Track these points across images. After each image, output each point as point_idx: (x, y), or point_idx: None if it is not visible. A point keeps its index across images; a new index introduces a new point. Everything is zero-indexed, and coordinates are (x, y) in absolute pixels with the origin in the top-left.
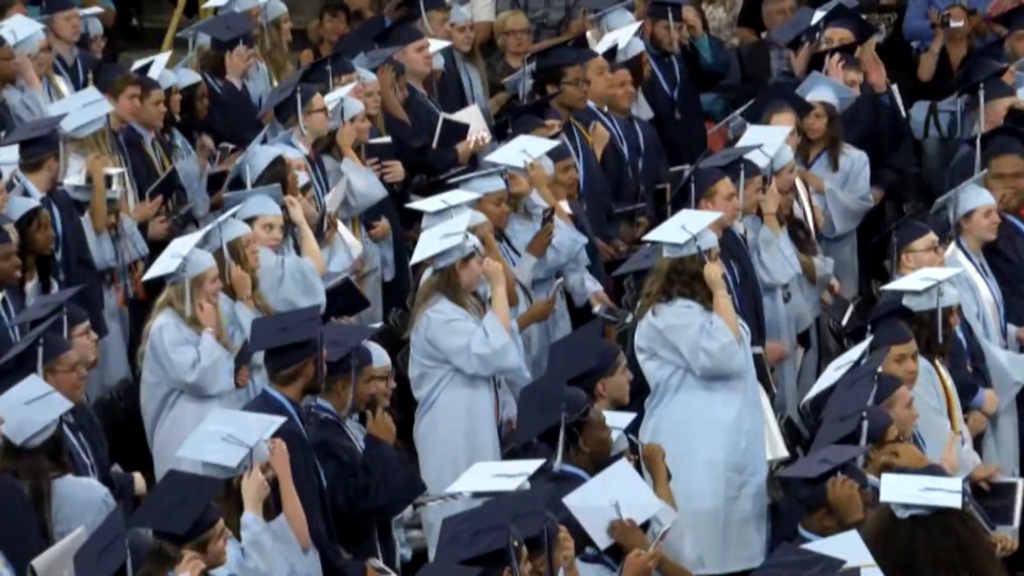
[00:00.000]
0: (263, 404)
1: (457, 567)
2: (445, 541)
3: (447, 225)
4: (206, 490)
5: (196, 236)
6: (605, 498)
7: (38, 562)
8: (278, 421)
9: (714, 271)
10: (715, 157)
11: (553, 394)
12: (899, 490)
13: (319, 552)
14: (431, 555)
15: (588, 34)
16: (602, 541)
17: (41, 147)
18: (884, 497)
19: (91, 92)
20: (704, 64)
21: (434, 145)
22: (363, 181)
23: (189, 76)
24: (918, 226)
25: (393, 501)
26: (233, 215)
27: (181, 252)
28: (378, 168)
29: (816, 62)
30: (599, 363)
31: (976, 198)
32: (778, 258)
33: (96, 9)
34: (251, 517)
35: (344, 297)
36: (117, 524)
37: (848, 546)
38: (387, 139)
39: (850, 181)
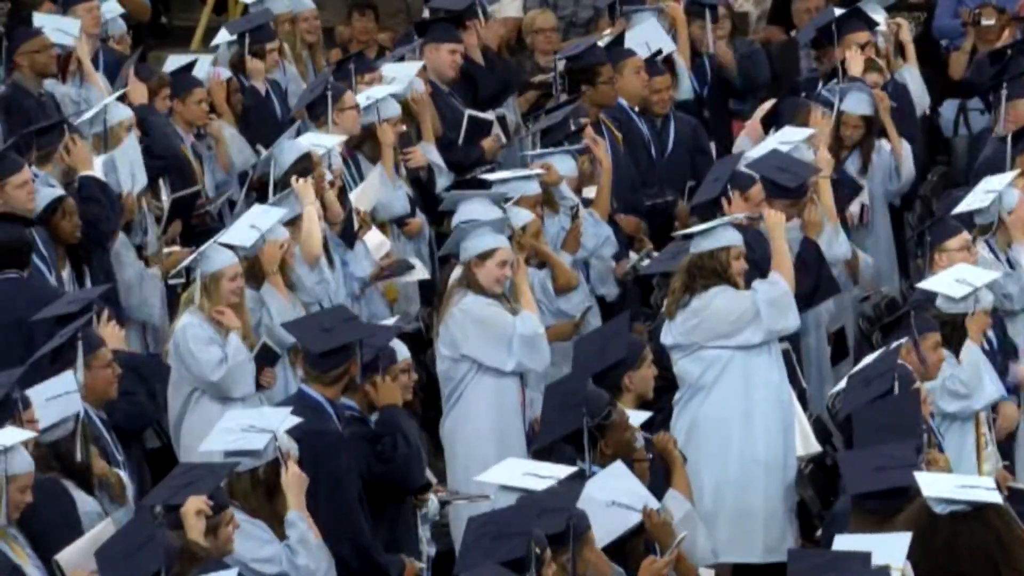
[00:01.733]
0: (300, 403)
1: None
2: (468, 543)
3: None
4: (217, 473)
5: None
6: (601, 499)
7: (62, 556)
8: (291, 413)
9: (774, 216)
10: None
11: (575, 396)
12: (938, 486)
13: (363, 550)
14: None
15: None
16: (599, 540)
17: (50, 138)
18: (925, 493)
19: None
20: (734, 88)
21: (460, 141)
22: (388, 194)
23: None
24: (952, 225)
25: (410, 461)
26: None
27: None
28: (401, 155)
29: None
30: (627, 356)
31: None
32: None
33: (118, 8)
34: (296, 515)
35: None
36: (148, 525)
37: (890, 546)
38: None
39: (882, 175)
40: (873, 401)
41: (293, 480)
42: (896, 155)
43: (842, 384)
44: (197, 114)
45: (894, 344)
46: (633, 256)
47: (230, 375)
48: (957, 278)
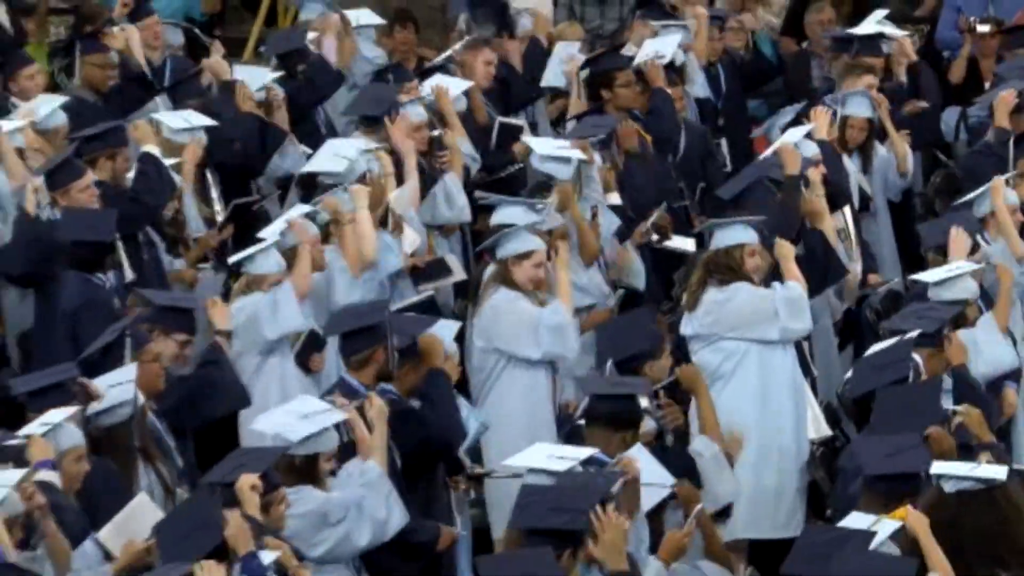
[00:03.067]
0: (340, 389)
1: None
2: (521, 505)
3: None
4: (267, 455)
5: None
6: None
7: (102, 534)
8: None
9: (785, 247)
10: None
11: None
12: (948, 466)
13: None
14: (493, 531)
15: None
16: None
17: (99, 144)
18: (934, 471)
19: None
20: (764, 57)
21: (491, 145)
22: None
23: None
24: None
25: (448, 428)
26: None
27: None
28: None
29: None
30: (651, 347)
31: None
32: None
33: (176, 22)
34: (372, 464)
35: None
36: (206, 503)
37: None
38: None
39: (882, 173)
40: (891, 385)
41: (374, 429)
42: (896, 152)
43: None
44: None
45: (908, 335)
46: (649, 220)
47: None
48: (948, 270)
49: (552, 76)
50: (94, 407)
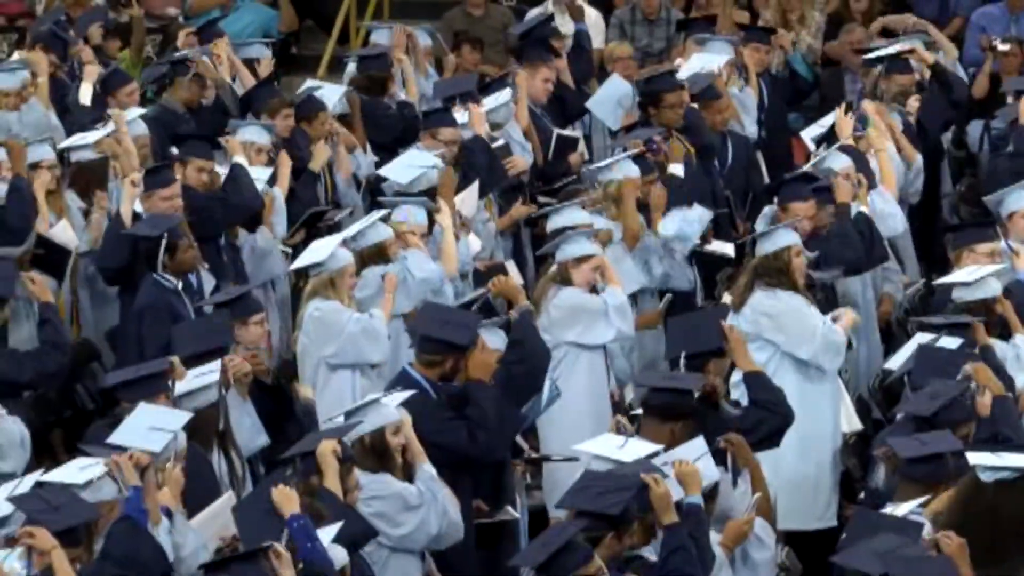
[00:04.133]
0: (402, 381)
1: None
2: (576, 487)
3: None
4: (340, 431)
5: (337, 238)
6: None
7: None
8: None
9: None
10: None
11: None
12: (985, 456)
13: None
14: (550, 514)
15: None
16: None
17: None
18: (972, 461)
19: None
20: (800, 76)
21: (549, 157)
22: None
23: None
24: (987, 232)
25: (496, 444)
26: (382, 219)
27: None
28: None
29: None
30: (720, 345)
31: (1018, 201)
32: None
33: (258, 49)
34: (427, 467)
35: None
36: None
37: None
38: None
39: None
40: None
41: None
42: (908, 159)
43: (897, 365)
44: (322, 133)
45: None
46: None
47: (369, 328)
48: (971, 272)
49: (610, 117)
50: (180, 388)
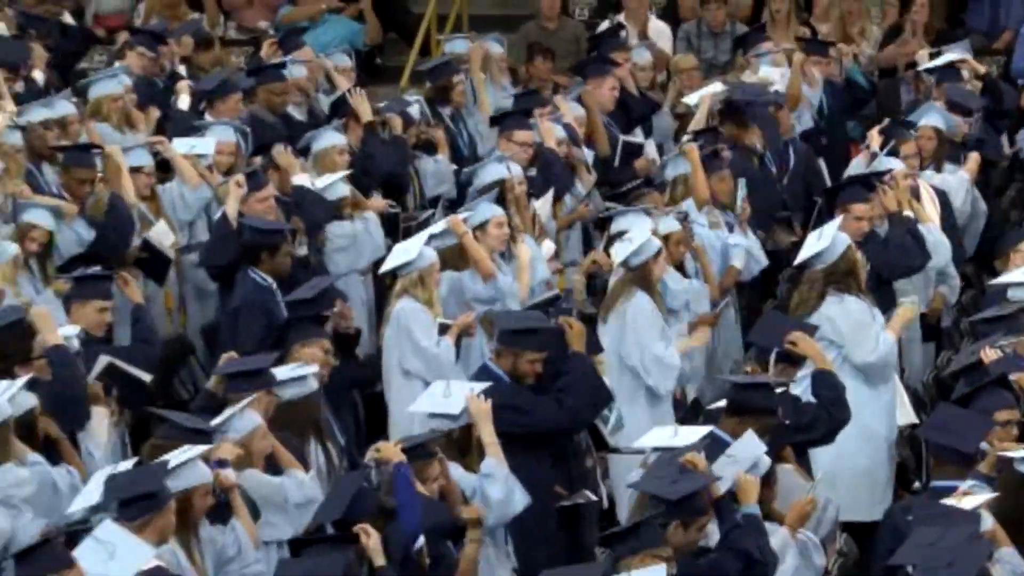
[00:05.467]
0: (483, 374)
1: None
2: (650, 473)
3: (637, 230)
4: (429, 436)
5: (423, 236)
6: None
7: None
8: (480, 385)
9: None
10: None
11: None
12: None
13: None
14: (618, 507)
15: (748, 71)
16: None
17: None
18: (1012, 454)
19: None
20: (858, 86)
21: (615, 162)
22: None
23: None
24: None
25: (583, 407)
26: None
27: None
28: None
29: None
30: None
31: None
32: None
33: (340, 58)
34: (493, 459)
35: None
36: (362, 477)
37: None
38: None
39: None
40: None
41: (483, 415)
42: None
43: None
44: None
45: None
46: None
47: (439, 358)
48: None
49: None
50: (280, 375)
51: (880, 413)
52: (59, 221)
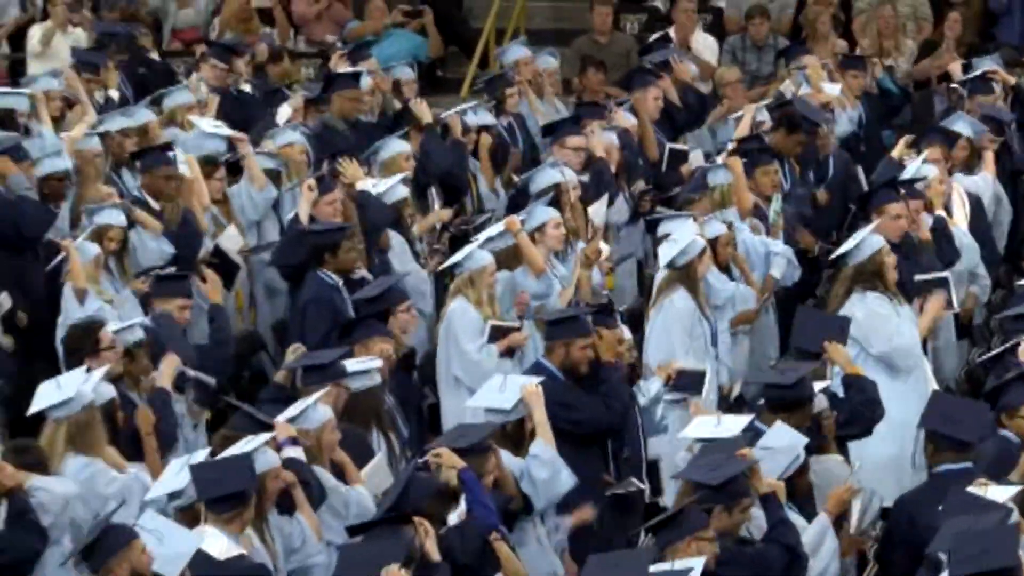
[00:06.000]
0: (536, 370)
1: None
2: (691, 463)
3: (682, 232)
4: (481, 429)
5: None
6: (776, 446)
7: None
8: (535, 379)
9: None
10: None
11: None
12: None
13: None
14: (664, 494)
15: (787, 82)
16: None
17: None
18: None
19: None
20: (891, 93)
21: (663, 168)
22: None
23: (486, 117)
24: None
25: (626, 410)
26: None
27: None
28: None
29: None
30: (843, 339)
31: None
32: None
33: (403, 70)
34: (542, 443)
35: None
36: (410, 468)
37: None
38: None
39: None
40: None
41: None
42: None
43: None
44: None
45: None
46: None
47: (480, 366)
48: None
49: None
50: (350, 367)
51: (906, 402)
52: (142, 233)
